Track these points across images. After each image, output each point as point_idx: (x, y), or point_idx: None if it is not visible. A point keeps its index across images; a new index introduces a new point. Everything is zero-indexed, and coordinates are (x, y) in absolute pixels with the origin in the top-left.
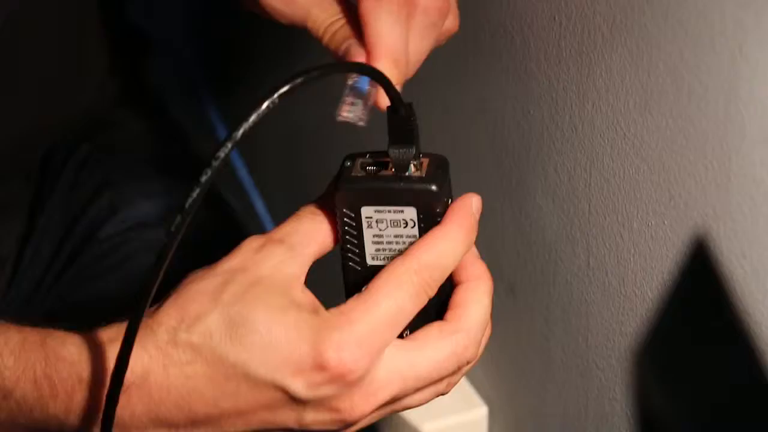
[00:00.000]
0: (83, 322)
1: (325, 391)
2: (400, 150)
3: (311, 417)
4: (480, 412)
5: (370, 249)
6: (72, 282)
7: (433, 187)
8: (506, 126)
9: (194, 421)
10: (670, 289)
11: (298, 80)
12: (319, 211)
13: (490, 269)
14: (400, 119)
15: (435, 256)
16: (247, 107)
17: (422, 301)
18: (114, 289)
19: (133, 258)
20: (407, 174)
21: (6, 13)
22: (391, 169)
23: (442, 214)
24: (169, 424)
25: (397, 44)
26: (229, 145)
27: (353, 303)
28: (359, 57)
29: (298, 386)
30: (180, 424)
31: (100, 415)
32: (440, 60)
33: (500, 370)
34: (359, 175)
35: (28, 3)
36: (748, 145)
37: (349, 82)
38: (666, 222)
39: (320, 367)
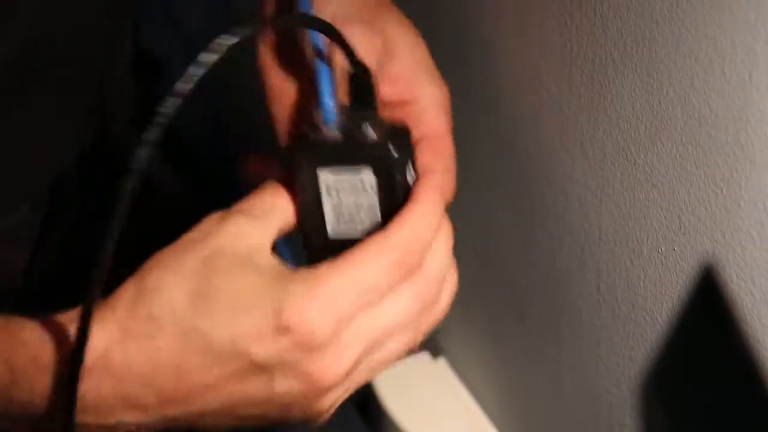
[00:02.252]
0: None
1: (290, 356)
2: (359, 113)
3: (282, 386)
4: None
5: (331, 220)
6: None
7: (390, 146)
8: (517, 152)
9: (164, 399)
10: (680, 315)
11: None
12: (280, 187)
13: (501, 294)
14: (359, 80)
15: (410, 232)
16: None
17: (396, 278)
18: None
19: None
20: (366, 136)
21: (23, 36)
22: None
23: (402, 180)
24: (137, 405)
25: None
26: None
27: (323, 266)
28: None
29: (260, 352)
30: (149, 404)
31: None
32: (450, 85)
33: (510, 394)
34: (316, 137)
35: (47, 25)
36: (758, 171)
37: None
38: (676, 248)
39: (282, 330)
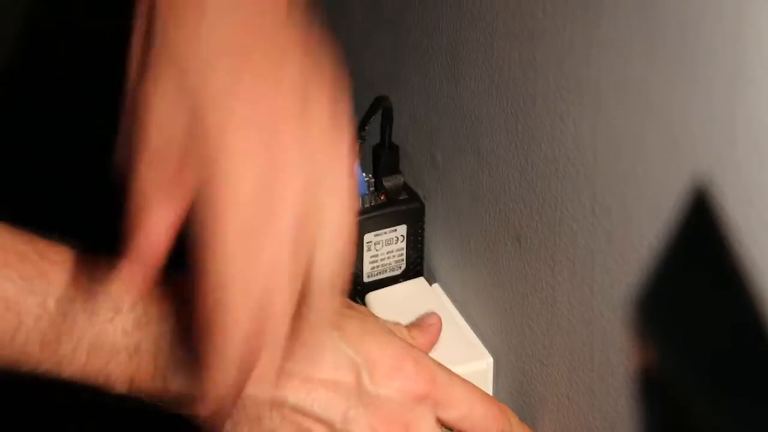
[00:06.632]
0: None
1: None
2: (390, 179)
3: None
4: (485, 362)
5: (367, 269)
6: None
7: (420, 204)
8: (512, 73)
9: None
10: (675, 238)
11: None
12: None
13: (497, 219)
14: (392, 153)
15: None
16: None
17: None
18: None
19: None
20: (399, 198)
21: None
22: (383, 196)
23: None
24: None
25: None
26: None
27: None
28: None
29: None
30: None
31: None
32: (447, 6)
33: (506, 320)
34: (359, 207)
35: None
36: (755, 90)
37: None
38: (671, 170)
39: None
